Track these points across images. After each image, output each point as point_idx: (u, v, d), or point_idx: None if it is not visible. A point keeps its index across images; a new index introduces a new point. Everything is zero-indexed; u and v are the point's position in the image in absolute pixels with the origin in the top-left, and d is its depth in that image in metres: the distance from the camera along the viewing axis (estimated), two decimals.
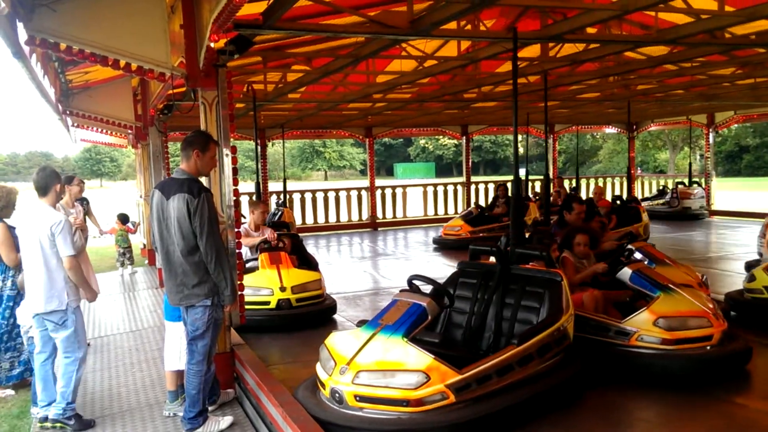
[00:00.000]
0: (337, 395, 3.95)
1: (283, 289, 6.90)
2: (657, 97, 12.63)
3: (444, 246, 12.79)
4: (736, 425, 4.12)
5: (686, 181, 17.52)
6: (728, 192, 26.44)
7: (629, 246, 6.22)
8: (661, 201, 17.34)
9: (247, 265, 7.06)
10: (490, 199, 17.96)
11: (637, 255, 6.32)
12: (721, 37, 6.96)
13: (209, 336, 4.26)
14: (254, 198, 10.90)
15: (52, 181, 4.54)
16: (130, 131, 10.95)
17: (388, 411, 3.81)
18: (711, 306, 5.03)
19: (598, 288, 5.47)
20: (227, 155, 5.08)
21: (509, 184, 12.61)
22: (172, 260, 4.20)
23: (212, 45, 4.67)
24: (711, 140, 17.92)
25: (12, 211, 5.24)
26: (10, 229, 5.10)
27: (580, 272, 5.57)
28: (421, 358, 3.89)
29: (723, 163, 48.11)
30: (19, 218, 4.67)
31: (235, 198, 5.17)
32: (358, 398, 3.87)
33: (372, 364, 3.95)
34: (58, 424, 4.47)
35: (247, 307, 5.66)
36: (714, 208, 17.48)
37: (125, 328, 7.27)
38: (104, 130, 11.47)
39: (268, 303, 6.88)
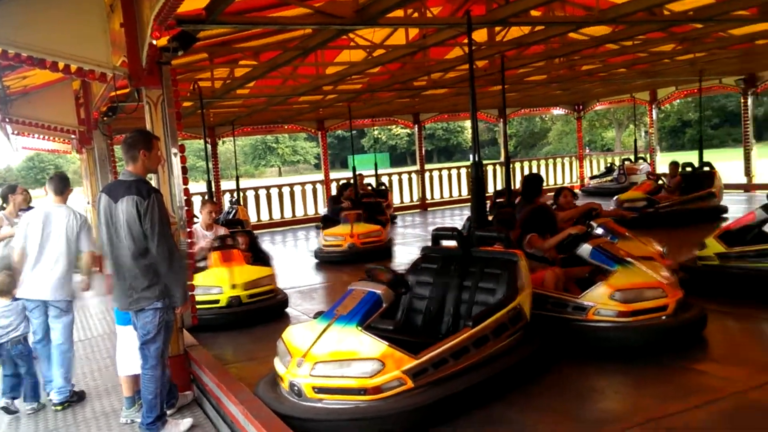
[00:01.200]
0: (295, 388, 3.95)
1: (233, 286, 6.84)
2: (601, 76, 12.90)
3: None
4: (688, 389, 4.25)
5: (632, 157, 18.01)
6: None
7: (591, 222, 6.35)
8: (609, 178, 17.80)
9: (198, 265, 6.97)
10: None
11: (599, 231, 6.40)
12: (660, 15, 7.15)
13: (161, 339, 4.17)
14: (206, 197, 10.74)
15: (66, 184, 5.19)
16: (73, 136, 10.59)
17: (347, 400, 3.83)
18: (666, 276, 5.15)
19: (560, 266, 5.54)
20: (176, 155, 4.97)
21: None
22: (122, 264, 4.09)
23: (155, 42, 4.54)
24: (654, 116, 18.46)
25: None
26: None
27: (549, 242, 5.65)
28: (375, 346, 3.91)
29: (667, 138, 49.45)
30: (33, 214, 5.12)
31: (186, 198, 5.07)
32: (316, 390, 3.88)
33: (327, 354, 3.96)
34: (65, 404, 4.97)
35: (198, 306, 5.59)
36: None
37: (74, 337, 7.04)
38: (46, 137, 11.10)
39: (218, 301, 6.81)
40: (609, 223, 6.67)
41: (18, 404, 5.00)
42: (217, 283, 6.88)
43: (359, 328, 4.07)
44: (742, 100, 15.82)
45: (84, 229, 5.06)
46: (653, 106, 18.19)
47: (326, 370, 3.90)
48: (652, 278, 5.08)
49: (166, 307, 4.13)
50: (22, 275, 5.00)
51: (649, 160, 17.97)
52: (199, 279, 6.29)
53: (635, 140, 18.88)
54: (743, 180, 15.80)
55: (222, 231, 7.78)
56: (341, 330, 4.09)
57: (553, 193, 7.47)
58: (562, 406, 4.15)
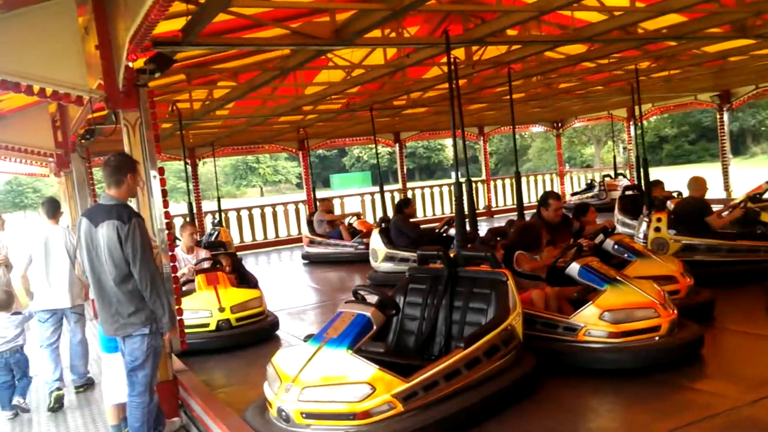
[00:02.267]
0: (283, 414, 3.88)
1: (221, 309, 6.75)
2: (578, 94, 13.04)
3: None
4: (682, 406, 4.23)
5: (612, 173, 18.19)
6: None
7: (607, 239, 6.33)
8: (590, 194, 17.93)
9: (183, 288, 6.88)
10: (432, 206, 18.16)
11: (616, 248, 6.38)
12: (634, 33, 7.26)
13: (149, 365, 4.10)
14: (186, 219, 10.66)
15: (58, 207, 6.01)
16: (51, 159, 10.46)
17: (336, 426, 3.76)
18: (660, 296, 5.01)
19: (551, 286, 5.46)
20: (155, 177, 4.92)
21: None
22: (105, 289, 4.02)
23: (131, 65, 4.52)
24: (632, 133, 18.67)
25: None
26: None
27: (535, 265, 5.61)
28: (365, 370, 3.85)
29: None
30: (33, 237, 5.79)
31: (167, 221, 5.02)
32: (304, 415, 3.81)
33: (317, 380, 3.90)
34: (83, 387, 5.96)
35: (186, 331, 5.51)
36: None
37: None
38: (24, 160, 10.93)
39: (207, 325, 6.71)
40: (624, 240, 6.61)
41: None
42: (205, 306, 6.78)
43: (349, 351, 4.00)
44: (718, 116, 16.07)
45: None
46: (631, 123, 18.43)
47: (315, 395, 3.84)
48: (644, 298, 4.96)
49: (153, 332, 4.06)
50: (34, 291, 5.76)
51: (629, 177, 18.17)
52: (186, 303, 6.21)
53: (614, 156, 19.09)
54: (722, 194, 16.02)
55: (203, 253, 7.70)
56: (331, 354, 4.03)
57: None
58: (555, 425, 4.12)
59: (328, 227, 12.84)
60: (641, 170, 8.80)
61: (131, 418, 4.10)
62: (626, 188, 11.45)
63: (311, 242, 12.96)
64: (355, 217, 13.84)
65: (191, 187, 11.76)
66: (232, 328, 6.78)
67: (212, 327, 6.72)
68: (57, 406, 5.52)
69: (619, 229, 9.72)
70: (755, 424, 3.89)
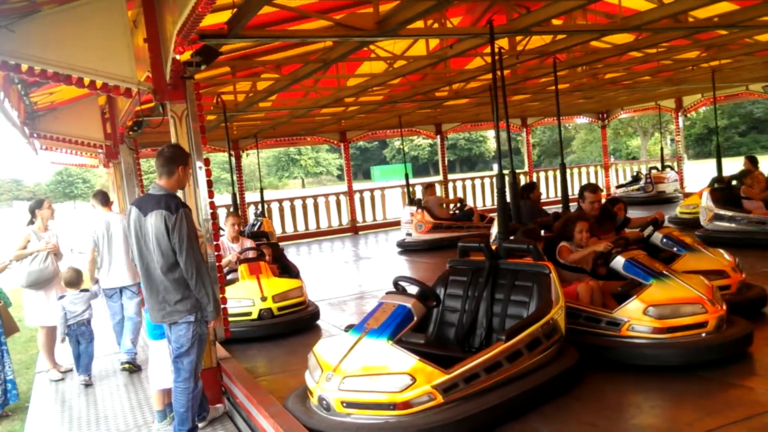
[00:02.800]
0: (324, 402, 3.92)
1: (263, 298, 6.85)
2: (625, 84, 12.76)
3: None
4: (728, 404, 4.11)
5: (659, 165, 17.76)
6: (700, 174, 26.80)
7: (656, 232, 6.20)
8: (635, 187, 17.55)
9: (227, 277, 7.01)
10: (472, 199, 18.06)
11: (665, 241, 6.26)
12: (684, 21, 7.05)
13: (195, 352, 4.19)
14: (230, 210, 10.81)
15: (108, 198, 6.68)
16: (100, 150, 10.75)
17: (375, 416, 3.78)
18: (708, 291, 4.87)
19: (597, 279, 5.36)
20: (201, 168, 5.01)
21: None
22: (153, 277, 4.13)
23: (178, 57, 4.60)
24: (680, 124, 18.20)
25: None
26: None
27: (573, 256, 5.52)
28: (405, 361, 3.86)
29: (693, 145, 48.83)
30: (97, 220, 6.42)
31: (211, 211, 5.11)
32: (345, 404, 3.83)
33: (358, 369, 3.92)
34: (129, 365, 6.39)
35: (230, 319, 5.62)
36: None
37: (107, 350, 7.14)
38: (74, 151, 11.26)
39: (249, 314, 6.82)
40: (673, 233, 6.46)
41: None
42: (247, 295, 6.90)
43: (390, 342, 4.02)
44: None
45: None
46: (679, 114, 17.95)
47: (355, 384, 3.86)
48: (691, 293, 4.82)
49: (199, 320, 4.16)
50: (99, 272, 6.38)
51: (676, 169, 17.72)
52: (229, 292, 6.35)
53: (662, 148, 18.61)
54: None
55: (248, 243, 7.81)
56: (372, 344, 4.05)
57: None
58: (597, 420, 4.04)
59: (444, 211, 12.83)
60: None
61: (176, 403, 4.20)
62: (715, 180, 11.14)
63: (435, 227, 12.60)
64: (458, 203, 13.86)
65: (235, 178, 11.92)
66: (273, 317, 6.88)
67: (254, 316, 6.82)
68: (130, 369, 6.36)
69: (716, 223, 9.56)
70: None
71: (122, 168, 9.66)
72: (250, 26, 5.16)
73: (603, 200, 6.72)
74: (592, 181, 19.91)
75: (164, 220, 4.00)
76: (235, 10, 4.89)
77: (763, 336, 5.23)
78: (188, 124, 4.93)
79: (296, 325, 6.94)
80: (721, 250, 6.29)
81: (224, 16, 5.13)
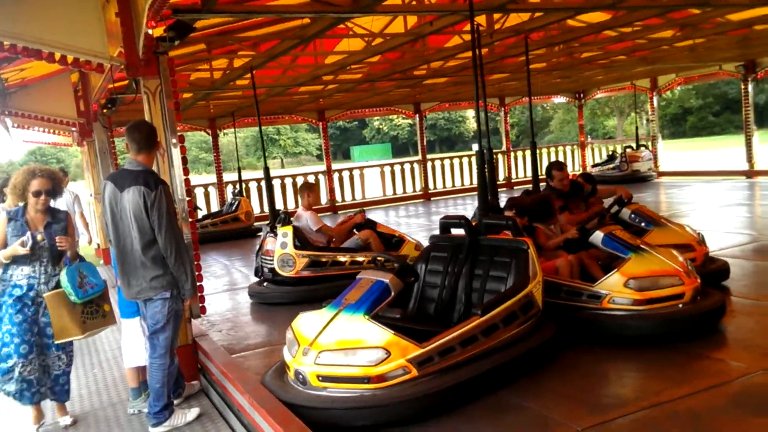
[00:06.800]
0: (300, 377, 3.96)
1: None
2: (601, 63, 12.85)
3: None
4: (696, 374, 4.23)
5: (634, 145, 17.98)
6: (674, 153, 27.18)
7: (622, 209, 6.33)
8: (611, 165, 17.76)
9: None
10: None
11: (633, 217, 6.41)
12: (657, 0, 7.11)
13: (170, 328, 4.18)
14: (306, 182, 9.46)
15: None
16: (73, 129, 10.60)
17: (351, 389, 3.83)
18: (683, 264, 5.04)
19: (576, 252, 5.45)
20: (175, 145, 4.96)
21: None
22: (129, 254, 4.08)
23: (150, 32, 4.53)
24: (655, 104, 18.41)
25: None
26: None
27: (551, 239, 5.63)
28: (381, 335, 3.90)
29: (668, 125, 49.32)
30: None
31: (187, 188, 5.08)
32: (320, 378, 3.88)
33: (333, 343, 3.96)
34: None
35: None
36: (661, 169, 18.05)
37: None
38: (47, 129, 11.10)
39: None
40: (642, 209, 6.59)
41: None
42: None
43: (366, 316, 4.06)
44: (743, 87, 15.75)
45: None
46: (654, 93, 18.14)
47: (331, 358, 3.90)
48: (668, 265, 4.98)
49: (174, 296, 4.13)
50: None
51: (651, 148, 17.95)
52: None
53: (636, 128, 18.83)
54: (745, 167, 15.80)
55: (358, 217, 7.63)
56: (348, 319, 4.09)
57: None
58: (570, 391, 4.14)
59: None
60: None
61: (152, 379, 4.19)
62: None
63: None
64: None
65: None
66: None
67: None
68: None
69: None
70: (767, 391, 3.91)
71: (96, 146, 9.56)
72: (224, 1, 5.11)
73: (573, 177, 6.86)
74: (569, 160, 20.07)
75: (143, 197, 3.95)
76: None
77: (730, 308, 5.37)
78: (162, 101, 4.86)
79: None
80: (686, 225, 6.47)
81: None
